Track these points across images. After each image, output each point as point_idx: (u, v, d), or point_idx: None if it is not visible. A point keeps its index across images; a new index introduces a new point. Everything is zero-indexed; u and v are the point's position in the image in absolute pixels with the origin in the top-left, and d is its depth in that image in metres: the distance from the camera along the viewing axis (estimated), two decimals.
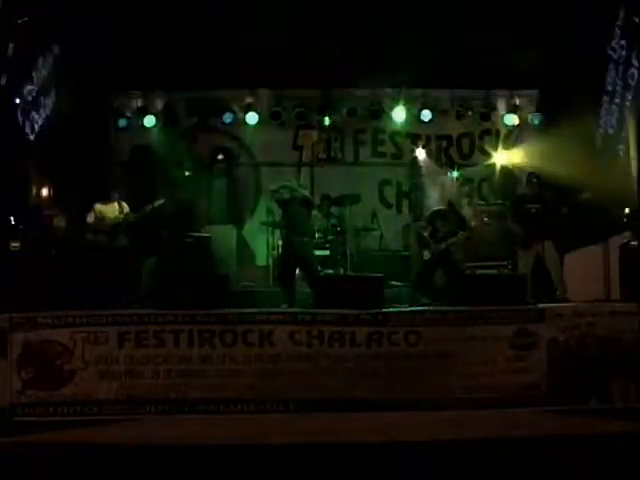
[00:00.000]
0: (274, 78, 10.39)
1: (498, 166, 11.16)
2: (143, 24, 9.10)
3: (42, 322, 5.97)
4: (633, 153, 8.21)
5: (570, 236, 8.91)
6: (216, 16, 8.95)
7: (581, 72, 9.30)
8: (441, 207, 9.47)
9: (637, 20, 7.73)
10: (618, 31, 8.41)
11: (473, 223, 10.12)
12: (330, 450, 4.69)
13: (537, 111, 10.96)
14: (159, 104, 11.00)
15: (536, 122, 11.01)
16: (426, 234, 8.93)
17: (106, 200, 8.97)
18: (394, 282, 9.53)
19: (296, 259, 8.52)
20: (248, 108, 10.95)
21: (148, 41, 9.31)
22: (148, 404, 5.95)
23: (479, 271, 9.38)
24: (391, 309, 6.55)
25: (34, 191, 8.81)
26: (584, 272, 8.67)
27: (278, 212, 9.78)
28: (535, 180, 8.90)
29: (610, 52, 8.61)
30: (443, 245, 8.75)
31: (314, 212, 9.00)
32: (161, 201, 9.00)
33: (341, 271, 9.86)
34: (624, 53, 8.42)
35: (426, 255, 8.87)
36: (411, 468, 4.59)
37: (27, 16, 7.73)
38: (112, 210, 8.90)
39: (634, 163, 8.17)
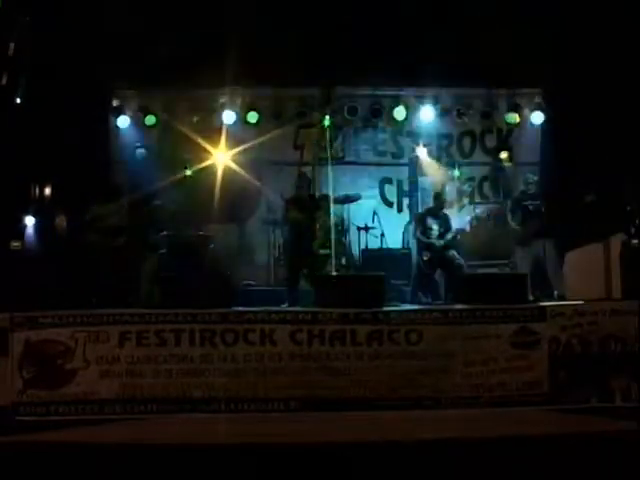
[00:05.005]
0: (274, 77, 10.39)
1: (499, 165, 11.15)
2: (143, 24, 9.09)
3: (43, 321, 5.98)
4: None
5: (570, 234, 8.91)
6: (216, 15, 8.95)
7: (583, 70, 9.29)
8: (430, 206, 9.48)
9: None
10: None
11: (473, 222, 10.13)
12: (330, 450, 4.69)
13: (539, 109, 10.94)
14: (159, 103, 10.99)
15: (537, 121, 11.00)
16: (420, 235, 8.95)
17: (105, 199, 8.87)
18: (395, 281, 9.54)
19: (303, 260, 8.61)
20: (248, 107, 10.95)
21: (149, 40, 9.30)
22: (149, 403, 5.96)
23: (480, 270, 9.38)
24: (392, 308, 6.55)
25: (35, 191, 8.81)
26: (585, 270, 8.65)
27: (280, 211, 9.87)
28: (535, 178, 8.93)
29: None
30: (442, 242, 8.77)
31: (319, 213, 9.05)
32: (158, 202, 8.94)
33: (342, 270, 9.87)
34: None
35: (426, 255, 8.89)
36: (412, 467, 4.59)
37: (27, 15, 7.73)
38: (110, 209, 8.80)
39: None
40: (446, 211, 9.39)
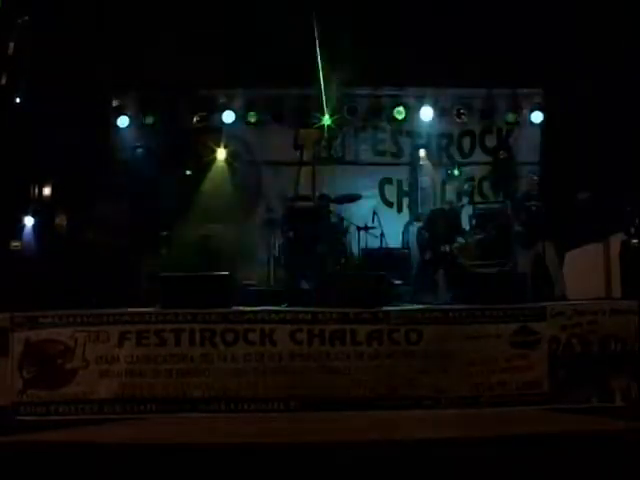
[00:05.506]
0: (274, 77, 10.38)
1: (499, 164, 11.15)
2: (143, 24, 9.09)
3: (43, 321, 5.99)
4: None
5: (570, 234, 8.92)
6: (216, 15, 8.94)
7: (583, 70, 9.29)
8: (441, 207, 9.48)
9: None
10: None
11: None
12: (330, 450, 4.68)
13: (539, 109, 10.94)
14: (159, 103, 10.98)
15: (537, 120, 10.99)
16: (427, 235, 8.93)
17: (105, 199, 8.91)
18: (395, 280, 9.53)
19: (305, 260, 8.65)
20: (248, 107, 10.95)
21: (149, 41, 9.30)
22: (149, 403, 5.96)
23: (480, 270, 9.37)
24: (392, 307, 6.55)
25: (35, 191, 8.81)
26: (585, 270, 8.66)
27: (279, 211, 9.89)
28: (535, 178, 8.92)
29: None
30: (447, 248, 8.75)
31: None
32: (158, 202, 9.06)
33: (342, 270, 9.86)
34: None
35: (428, 255, 8.88)
36: (412, 467, 4.58)
37: (27, 15, 7.73)
38: (111, 209, 8.84)
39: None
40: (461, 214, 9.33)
